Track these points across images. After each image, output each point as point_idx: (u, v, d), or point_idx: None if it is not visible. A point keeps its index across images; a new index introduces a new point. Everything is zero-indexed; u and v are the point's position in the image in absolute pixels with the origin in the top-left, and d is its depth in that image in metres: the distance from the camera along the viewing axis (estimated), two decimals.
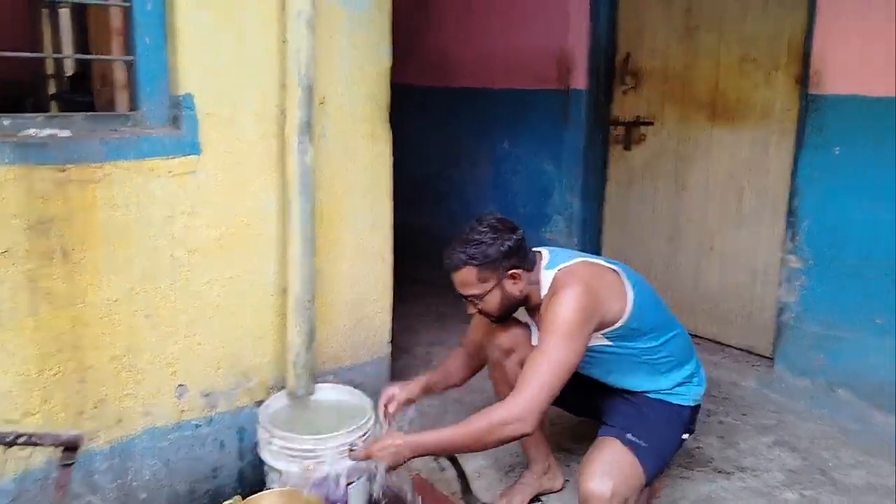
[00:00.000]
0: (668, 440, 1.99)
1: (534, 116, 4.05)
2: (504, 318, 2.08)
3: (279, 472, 2.19)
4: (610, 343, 1.96)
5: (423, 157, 4.77)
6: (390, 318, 2.75)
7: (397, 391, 2.23)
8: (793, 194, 2.92)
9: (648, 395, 2.04)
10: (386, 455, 1.81)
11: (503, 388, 2.17)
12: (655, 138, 3.61)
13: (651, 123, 3.62)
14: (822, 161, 2.75)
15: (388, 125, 2.56)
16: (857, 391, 2.73)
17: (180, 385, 2.22)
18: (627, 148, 3.74)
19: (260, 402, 2.36)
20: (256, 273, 2.31)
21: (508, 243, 1.95)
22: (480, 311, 2.04)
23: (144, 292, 2.10)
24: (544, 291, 1.98)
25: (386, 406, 2.22)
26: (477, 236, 1.95)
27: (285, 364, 2.36)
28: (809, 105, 2.78)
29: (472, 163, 4.46)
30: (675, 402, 2.04)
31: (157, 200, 2.08)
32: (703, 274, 3.48)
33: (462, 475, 2.29)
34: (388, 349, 2.78)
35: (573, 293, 1.85)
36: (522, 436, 1.79)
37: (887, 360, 2.63)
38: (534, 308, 2.06)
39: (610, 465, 1.86)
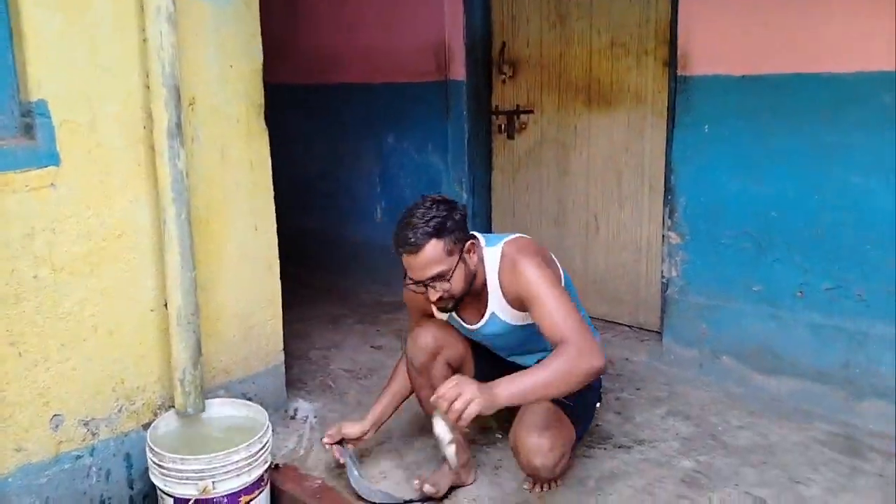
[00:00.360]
0: (586, 405, 2.03)
1: (417, 110, 4.03)
2: (460, 301, 2.02)
3: (172, 497, 2.07)
4: None
5: (307, 157, 4.65)
6: (281, 325, 2.66)
7: (345, 431, 2.22)
8: (668, 173, 3.03)
9: None
10: (478, 409, 1.65)
11: (427, 392, 2.07)
12: (536, 126, 3.67)
13: (531, 112, 3.67)
14: (694, 139, 2.86)
15: (264, 125, 2.46)
16: (739, 356, 2.87)
17: (55, 415, 2.05)
18: (510, 137, 3.79)
19: (147, 425, 2.23)
20: (133, 288, 2.17)
21: (461, 212, 1.95)
22: (440, 299, 1.96)
23: (7, 318, 1.92)
24: (491, 268, 1.99)
25: (340, 445, 2.22)
26: (431, 213, 1.90)
27: (172, 382, 2.23)
28: (678, 86, 2.88)
29: (358, 160, 4.39)
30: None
31: (13, 218, 1.91)
32: (590, 255, 3.57)
33: (357, 470, 2.23)
34: (281, 357, 2.68)
35: (535, 259, 1.94)
36: (599, 372, 1.76)
37: (764, 325, 2.78)
38: (476, 291, 2.04)
39: (545, 420, 1.96)
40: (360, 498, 2.17)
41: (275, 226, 2.57)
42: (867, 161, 2.48)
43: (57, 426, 2.05)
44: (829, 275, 2.61)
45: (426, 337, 2.17)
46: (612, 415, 2.67)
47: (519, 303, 2.00)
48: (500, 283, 2.02)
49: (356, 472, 2.20)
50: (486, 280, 2.04)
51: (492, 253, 2.03)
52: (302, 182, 4.62)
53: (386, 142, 4.20)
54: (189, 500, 2.04)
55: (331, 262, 4.63)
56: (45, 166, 1.96)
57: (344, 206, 4.56)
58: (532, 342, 2.13)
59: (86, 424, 2.12)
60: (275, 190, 2.55)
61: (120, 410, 2.19)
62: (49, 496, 2.06)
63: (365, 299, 4.24)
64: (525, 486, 2.19)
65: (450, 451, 1.76)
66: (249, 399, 2.44)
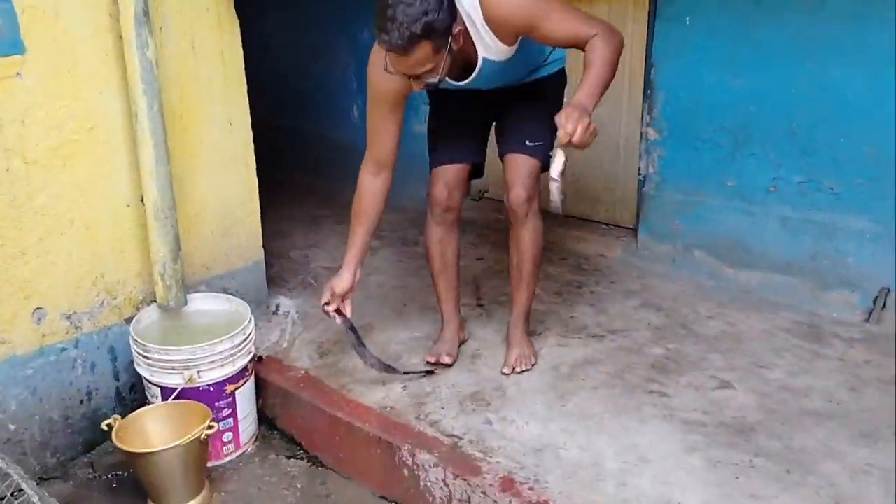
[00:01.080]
0: (556, 108, 1.94)
1: None
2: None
3: (160, 386, 2.13)
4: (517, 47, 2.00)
5: (281, 52, 4.53)
6: (259, 222, 2.66)
7: (335, 288, 2.19)
8: (648, 67, 3.00)
9: (538, 78, 2.20)
10: (583, 130, 1.75)
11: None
12: None
13: None
14: (675, 32, 2.82)
15: (234, 14, 2.38)
16: (711, 250, 2.93)
17: (38, 308, 2.07)
18: None
19: (130, 319, 2.26)
20: (108, 182, 2.15)
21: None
22: (426, 84, 1.87)
23: None
24: (475, 14, 1.88)
25: (337, 310, 2.22)
26: (416, 7, 1.71)
27: (152, 277, 2.25)
28: None
29: (333, 55, 4.28)
30: (555, 69, 2.22)
31: None
32: (567, 153, 3.56)
33: (358, 338, 2.29)
34: (261, 254, 2.70)
35: None
36: (623, 41, 1.90)
37: (736, 220, 2.83)
38: (463, 57, 1.95)
39: (523, 176, 2.16)
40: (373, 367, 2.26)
41: (249, 121, 2.52)
42: (848, 54, 2.46)
43: (40, 319, 2.08)
44: (803, 169, 2.64)
45: (441, 193, 2.26)
46: (587, 307, 2.74)
47: (513, 36, 1.95)
48: (488, 24, 1.90)
49: (356, 340, 2.26)
50: (472, 38, 1.93)
51: (470, 2, 1.89)
52: (275, 77, 4.50)
53: (360, 36, 4.08)
54: (175, 388, 2.09)
55: (309, 162, 4.58)
56: (9, 55, 1.90)
57: (320, 104, 4.47)
58: (529, 62, 2.13)
59: (68, 318, 2.14)
60: (248, 85, 2.50)
61: (102, 304, 2.21)
62: (36, 387, 2.10)
63: (344, 199, 4.19)
64: (504, 371, 2.28)
65: (556, 191, 1.83)
66: (231, 294, 2.47)
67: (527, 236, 2.23)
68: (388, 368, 2.27)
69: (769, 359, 2.36)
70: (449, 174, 2.26)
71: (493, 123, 2.32)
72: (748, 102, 2.71)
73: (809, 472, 1.82)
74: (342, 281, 2.20)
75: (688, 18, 2.77)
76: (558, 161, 1.79)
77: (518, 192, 2.16)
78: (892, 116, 2.41)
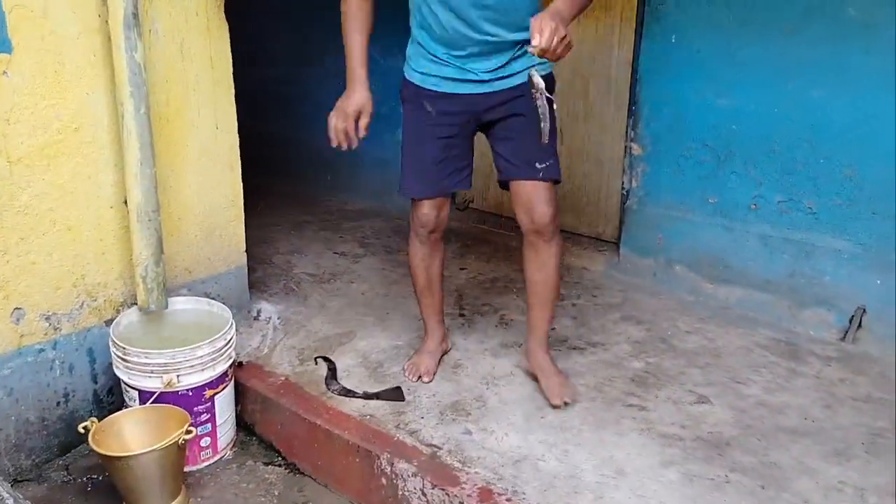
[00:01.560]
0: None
1: (384, 12, 3.90)
2: None
3: (138, 390, 2.11)
4: None
5: (269, 58, 4.53)
6: (243, 227, 2.65)
7: (347, 108, 2.01)
8: (634, 84, 3.04)
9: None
10: (558, 39, 1.66)
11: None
12: None
13: None
14: (661, 51, 2.86)
15: (224, 18, 2.39)
16: (692, 266, 2.96)
17: (17, 308, 2.05)
18: None
19: (110, 321, 2.24)
20: (91, 184, 2.14)
21: None
22: None
23: None
24: None
25: (356, 125, 2.04)
26: None
27: (133, 279, 2.24)
28: None
29: (324, 62, 4.28)
30: (546, 70, 1.99)
31: None
32: None
33: (332, 368, 2.34)
34: (243, 259, 2.69)
35: None
36: None
37: (717, 236, 2.87)
38: None
39: (543, 198, 2.05)
40: None
41: (236, 125, 2.53)
42: (828, 77, 2.51)
43: (18, 319, 2.06)
44: (783, 188, 2.68)
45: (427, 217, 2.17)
46: (568, 319, 2.75)
47: None
48: None
49: (330, 373, 2.28)
50: None
51: None
52: (264, 82, 4.50)
53: None
54: (154, 392, 2.08)
55: (293, 168, 4.58)
56: None
57: (308, 111, 4.47)
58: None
59: (47, 319, 2.12)
60: (235, 90, 2.50)
61: (81, 306, 2.20)
62: (13, 387, 2.08)
63: (328, 206, 4.24)
64: (555, 403, 2.16)
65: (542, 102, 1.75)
66: (213, 298, 2.46)
67: (552, 257, 2.14)
68: (350, 393, 2.26)
69: (746, 375, 2.38)
70: (434, 201, 2.16)
71: (485, 136, 2.15)
72: (731, 121, 2.75)
73: (783, 489, 1.84)
74: (354, 97, 1.99)
75: (674, 37, 2.81)
76: (537, 78, 1.72)
77: (544, 211, 2.06)
78: (870, 139, 2.46)
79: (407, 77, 2.13)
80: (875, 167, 2.47)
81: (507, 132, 2.08)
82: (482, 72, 2.00)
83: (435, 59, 2.03)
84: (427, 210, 2.17)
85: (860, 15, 2.40)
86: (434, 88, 2.06)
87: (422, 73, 2.07)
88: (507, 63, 2.00)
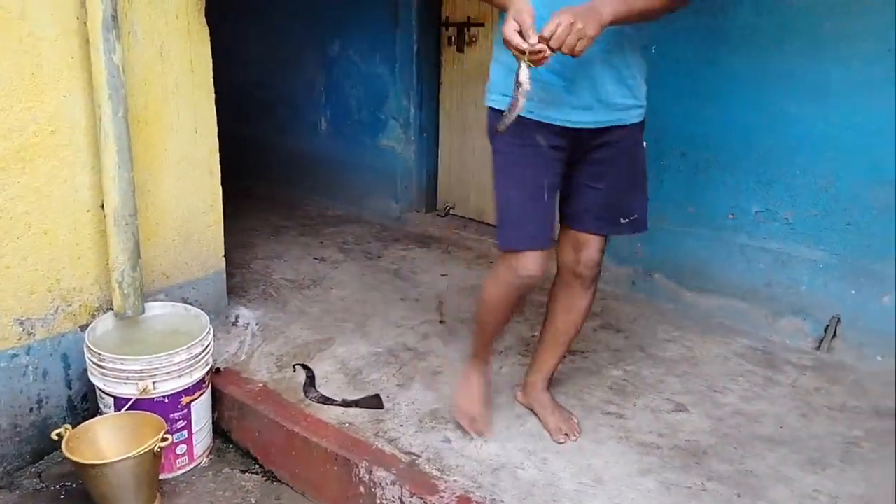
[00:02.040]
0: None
1: (364, 18, 3.92)
2: None
3: (113, 396, 2.08)
4: None
5: (247, 62, 4.51)
6: (222, 231, 2.63)
7: (528, 19, 1.53)
8: None
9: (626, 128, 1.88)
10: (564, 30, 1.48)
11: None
12: (487, 40, 3.62)
13: (482, 24, 3.62)
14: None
15: (204, 22, 2.37)
16: (671, 274, 2.98)
17: None
18: (460, 50, 3.74)
19: (85, 327, 2.21)
20: (68, 187, 2.12)
21: None
22: None
23: None
24: None
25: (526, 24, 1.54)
26: None
27: (110, 284, 2.21)
28: None
29: (302, 67, 4.28)
30: (641, 117, 1.89)
31: None
32: None
33: (311, 375, 2.32)
34: (222, 264, 2.67)
35: None
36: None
37: (695, 245, 2.89)
38: None
39: (597, 246, 1.96)
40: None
41: (216, 130, 2.51)
42: (806, 89, 2.54)
43: None
44: (760, 198, 2.71)
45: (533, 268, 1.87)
46: None
47: None
48: None
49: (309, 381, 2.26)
50: None
51: None
52: (241, 87, 4.48)
53: (331, 49, 4.09)
54: (129, 399, 2.05)
55: (272, 173, 4.56)
56: None
57: (287, 116, 4.46)
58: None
59: (21, 323, 2.09)
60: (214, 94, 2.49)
61: (56, 311, 2.17)
62: None
63: (308, 211, 4.22)
64: (560, 440, 2.09)
65: (523, 101, 1.57)
66: (190, 304, 2.44)
67: (586, 305, 2.05)
68: (328, 401, 2.24)
69: (724, 383, 2.40)
70: (541, 258, 1.87)
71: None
72: (709, 132, 2.78)
73: (759, 497, 1.86)
74: (518, 4, 1.55)
75: (654, 48, 2.83)
76: (524, 73, 1.55)
77: (593, 258, 1.96)
78: (845, 151, 2.50)
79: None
80: (850, 179, 2.51)
81: (594, 177, 1.91)
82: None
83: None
84: (533, 267, 1.86)
85: (837, 29, 2.44)
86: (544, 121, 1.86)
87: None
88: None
